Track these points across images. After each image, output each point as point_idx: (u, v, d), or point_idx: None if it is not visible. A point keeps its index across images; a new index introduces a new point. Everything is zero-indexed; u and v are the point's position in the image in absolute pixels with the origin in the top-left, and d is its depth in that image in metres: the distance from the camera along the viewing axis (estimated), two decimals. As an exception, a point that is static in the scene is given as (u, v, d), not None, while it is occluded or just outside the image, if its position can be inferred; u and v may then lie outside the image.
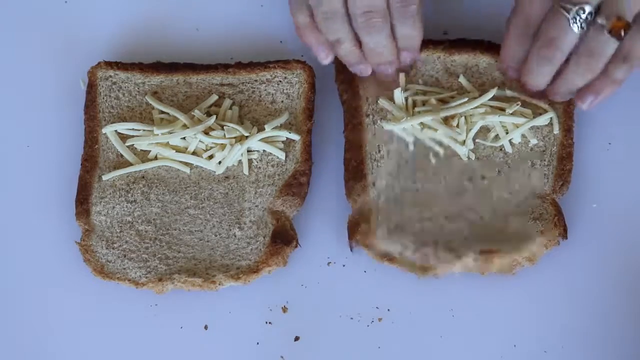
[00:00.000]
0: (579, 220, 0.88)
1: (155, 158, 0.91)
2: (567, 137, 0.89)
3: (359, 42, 0.87)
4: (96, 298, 0.88)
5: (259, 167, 0.90)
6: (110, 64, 0.95)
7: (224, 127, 0.90)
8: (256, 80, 0.94)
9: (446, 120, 0.89)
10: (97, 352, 0.87)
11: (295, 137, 0.90)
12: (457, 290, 0.87)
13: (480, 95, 0.90)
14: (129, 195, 0.90)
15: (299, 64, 0.93)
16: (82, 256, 0.88)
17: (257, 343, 0.87)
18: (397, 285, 0.87)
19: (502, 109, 0.89)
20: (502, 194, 0.88)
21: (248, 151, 0.90)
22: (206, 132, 0.90)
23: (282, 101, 0.93)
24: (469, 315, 0.87)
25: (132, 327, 0.88)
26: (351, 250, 0.88)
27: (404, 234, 0.87)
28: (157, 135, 0.91)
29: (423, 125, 0.89)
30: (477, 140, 0.89)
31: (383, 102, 0.90)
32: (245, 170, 0.90)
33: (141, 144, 0.91)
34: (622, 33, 0.80)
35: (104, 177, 0.90)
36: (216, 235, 0.89)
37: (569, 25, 0.81)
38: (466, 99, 0.89)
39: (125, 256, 0.88)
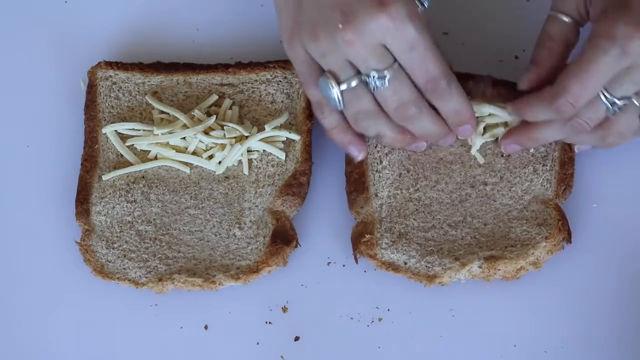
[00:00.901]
0: (579, 222, 0.88)
1: (155, 158, 0.91)
2: (569, 142, 0.89)
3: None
4: (96, 298, 0.88)
5: (259, 167, 0.90)
6: (110, 64, 0.95)
7: (224, 127, 0.90)
8: (256, 80, 0.94)
9: None
10: (98, 352, 0.87)
11: (295, 137, 0.90)
12: (457, 290, 0.87)
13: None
14: (129, 195, 0.90)
15: (299, 64, 0.93)
16: (82, 256, 0.88)
17: (257, 343, 0.87)
18: (397, 285, 0.87)
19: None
20: (505, 200, 0.88)
21: (248, 151, 0.90)
22: (206, 132, 0.90)
23: (282, 101, 0.93)
24: (469, 315, 0.87)
25: (132, 327, 0.88)
26: (356, 261, 0.87)
27: (408, 244, 0.87)
28: (157, 135, 0.91)
29: None
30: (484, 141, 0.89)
31: None
32: (245, 170, 0.90)
33: (141, 144, 0.91)
34: None
35: (104, 177, 0.90)
36: (216, 235, 0.89)
37: (608, 114, 0.82)
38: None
39: (125, 256, 0.88)
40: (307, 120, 0.91)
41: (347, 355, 0.86)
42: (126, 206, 0.90)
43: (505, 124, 0.89)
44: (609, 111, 0.82)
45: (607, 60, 0.79)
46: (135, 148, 0.92)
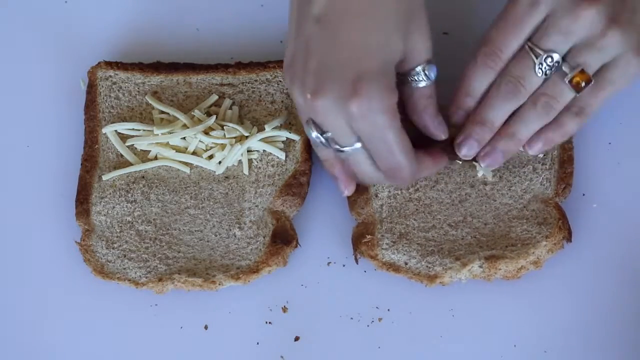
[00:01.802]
0: (580, 221, 0.88)
1: (155, 158, 0.91)
2: (568, 140, 0.89)
3: None
4: (96, 298, 0.88)
5: (259, 167, 0.90)
6: (110, 64, 0.95)
7: (224, 127, 0.90)
8: (256, 80, 0.94)
9: None
10: (98, 352, 0.87)
11: (295, 137, 0.90)
12: (457, 290, 0.87)
13: None
14: (129, 195, 0.90)
15: (299, 64, 0.93)
16: (82, 256, 0.88)
17: (257, 343, 0.87)
18: (397, 285, 0.87)
19: None
20: (505, 200, 0.88)
21: (248, 151, 0.90)
22: (206, 132, 0.90)
23: (282, 101, 0.93)
24: (469, 315, 0.87)
25: (132, 327, 0.88)
26: (356, 262, 0.87)
27: (408, 244, 0.87)
28: (157, 135, 0.91)
29: None
30: None
31: None
32: (245, 170, 0.90)
33: (141, 144, 0.91)
34: (582, 85, 0.82)
35: (104, 177, 0.90)
36: (216, 235, 0.89)
37: (534, 69, 0.82)
38: None
39: (125, 256, 0.88)
40: (307, 120, 0.91)
41: (347, 355, 0.86)
42: (126, 206, 0.90)
43: None
44: (537, 67, 0.81)
45: (521, 4, 0.81)
46: (135, 148, 0.92)
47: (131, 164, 0.91)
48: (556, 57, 0.81)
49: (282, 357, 0.86)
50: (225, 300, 0.88)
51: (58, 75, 0.97)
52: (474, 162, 0.87)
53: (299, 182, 0.89)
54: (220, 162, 0.90)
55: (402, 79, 0.82)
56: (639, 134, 0.92)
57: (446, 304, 0.87)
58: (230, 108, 0.93)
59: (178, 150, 0.91)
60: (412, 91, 0.82)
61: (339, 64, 0.77)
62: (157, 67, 0.95)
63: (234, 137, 0.90)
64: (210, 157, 0.90)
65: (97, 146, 0.92)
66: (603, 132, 0.92)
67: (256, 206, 0.89)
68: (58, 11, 0.99)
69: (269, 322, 0.87)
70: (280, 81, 0.93)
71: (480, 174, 0.89)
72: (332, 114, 0.78)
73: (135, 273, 0.87)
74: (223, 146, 0.90)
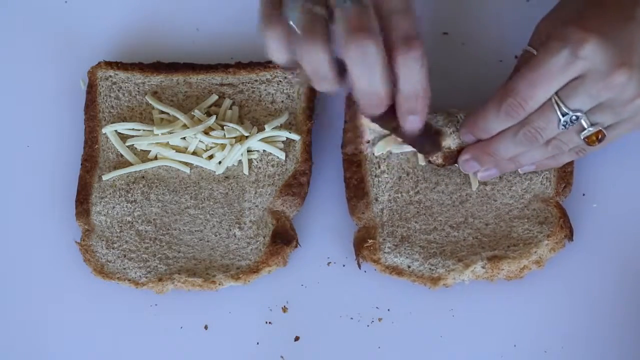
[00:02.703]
0: (580, 221, 0.88)
1: (155, 158, 0.91)
2: None
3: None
4: (96, 298, 0.88)
5: (259, 167, 0.90)
6: (110, 64, 0.95)
7: (224, 127, 0.90)
8: (256, 80, 0.94)
9: None
10: (97, 352, 0.87)
11: (295, 137, 0.90)
12: (457, 290, 0.87)
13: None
14: (129, 195, 0.90)
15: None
16: (82, 256, 0.88)
17: (257, 343, 0.87)
18: (397, 285, 0.87)
19: None
20: (505, 200, 0.88)
21: (248, 151, 0.90)
22: (206, 132, 0.90)
23: (282, 101, 0.93)
24: (469, 315, 0.87)
25: (132, 327, 0.88)
26: (359, 267, 0.87)
27: (410, 247, 0.87)
28: (157, 135, 0.91)
29: None
30: None
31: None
32: (245, 170, 0.90)
33: (141, 144, 0.91)
34: (595, 140, 0.82)
35: (104, 177, 0.90)
36: (216, 235, 0.89)
37: (557, 124, 0.81)
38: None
39: (125, 256, 0.88)
40: (307, 120, 0.91)
41: (347, 355, 0.86)
42: (126, 206, 0.90)
43: None
44: (560, 124, 0.81)
45: (557, 61, 0.78)
46: (135, 148, 0.92)
47: (131, 164, 0.91)
48: (581, 116, 0.81)
49: (282, 357, 0.86)
50: (225, 300, 0.88)
51: (58, 75, 0.97)
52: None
53: (299, 182, 0.89)
54: (220, 162, 0.90)
55: None
56: (639, 134, 0.91)
57: (446, 304, 0.87)
58: (230, 108, 0.93)
59: (178, 150, 0.91)
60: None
61: None
62: (157, 67, 0.95)
63: (234, 137, 0.90)
64: (210, 157, 0.90)
65: (97, 146, 0.92)
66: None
67: (256, 206, 0.89)
68: (58, 11, 0.99)
69: (269, 322, 0.87)
70: (281, 81, 0.93)
71: (474, 188, 0.89)
72: None
73: (135, 273, 0.87)
74: (223, 146, 0.90)
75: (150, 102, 0.93)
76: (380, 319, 0.87)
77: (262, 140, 0.90)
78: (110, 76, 0.94)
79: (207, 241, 0.89)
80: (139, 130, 0.92)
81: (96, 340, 0.87)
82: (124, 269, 0.88)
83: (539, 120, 0.82)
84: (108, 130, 0.92)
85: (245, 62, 0.94)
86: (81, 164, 0.92)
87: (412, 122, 0.79)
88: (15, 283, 0.90)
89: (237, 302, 0.88)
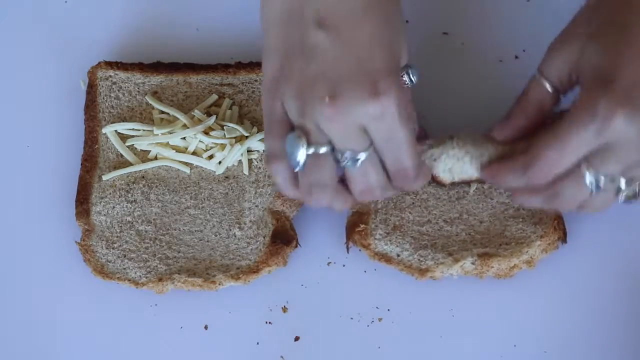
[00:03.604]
0: (578, 221, 0.88)
1: (155, 158, 0.91)
2: None
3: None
4: (96, 298, 0.88)
5: (259, 167, 0.90)
6: (110, 64, 0.95)
7: (224, 127, 0.90)
8: (256, 80, 0.94)
9: None
10: (97, 352, 0.87)
11: (295, 137, 0.90)
12: (457, 290, 0.87)
13: None
14: (129, 195, 0.90)
15: (299, 64, 0.93)
16: (82, 256, 0.88)
17: (257, 343, 0.87)
18: (397, 285, 0.87)
19: None
20: (502, 199, 0.88)
21: (248, 151, 0.90)
22: (206, 132, 0.90)
23: (282, 101, 0.93)
24: (468, 315, 0.87)
25: (132, 327, 0.88)
26: (347, 251, 0.88)
27: (402, 236, 0.87)
28: (157, 135, 0.91)
29: None
30: None
31: None
32: (245, 170, 0.90)
33: (141, 144, 0.91)
34: (631, 199, 0.79)
35: (104, 177, 0.90)
36: (216, 235, 0.89)
37: (587, 192, 0.78)
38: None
39: (125, 256, 0.88)
40: (307, 120, 0.91)
41: (347, 355, 0.86)
42: (126, 206, 0.90)
43: None
44: (594, 193, 0.78)
45: (584, 134, 0.75)
46: (135, 148, 0.92)
47: (131, 164, 0.91)
48: (613, 177, 0.78)
49: (282, 357, 0.86)
50: (225, 300, 0.88)
51: (58, 75, 0.96)
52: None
53: (299, 182, 0.89)
54: (220, 162, 0.90)
55: None
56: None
57: (446, 304, 0.87)
58: (230, 108, 0.93)
59: (178, 150, 0.91)
60: None
61: (353, 66, 0.75)
62: (157, 67, 0.95)
63: (234, 137, 0.90)
64: (210, 157, 0.90)
65: (97, 146, 0.92)
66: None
67: (256, 206, 0.89)
68: (58, 11, 0.99)
69: (269, 322, 0.87)
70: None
71: (471, 192, 0.89)
72: (349, 117, 0.75)
73: (135, 273, 0.87)
74: (223, 146, 0.90)
75: (150, 102, 0.93)
76: (380, 319, 0.87)
77: (262, 140, 0.90)
78: (110, 76, 0.94)
79: (207, 241, 0.89)
80: (139, 130, 0.92)
81: (96, 340, 0.87)
82: (124, 269, 0.88)
83: (568, 190, 0.79)
84: (108, 130, 0.92)
85: (245, 62, 0.94)
86: (81, 164, 0.92)
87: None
88: (15, 283, 0.90)
89: (237, 302, 0.88)
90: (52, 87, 0.96)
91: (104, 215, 0.89)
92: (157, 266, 0.87)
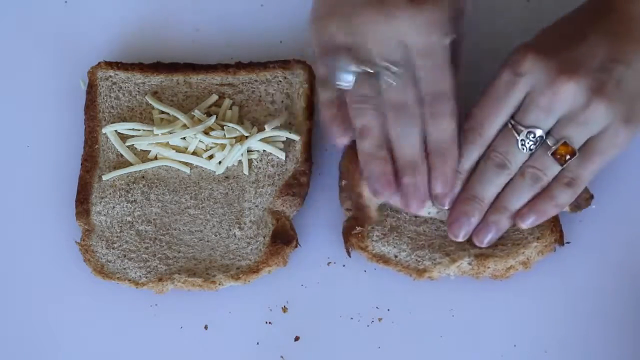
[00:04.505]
0: (577, 221, 0.88)
1: (155, 158, 0.91)
2: None
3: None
4: (96, 298, 0.88)
5: (259, 167, 0.90)
6: (110, 64, 0.95)
7: (224, 127, 0.90)
8: (256, 80, 0.94)
9: None
10: (97, 352, 0.87)
11: (295, 137, 0.90)
12: (457, 290, 0.87)
13: None
14: (129, 195, 0.90)
15: (299, 64, 0.93)
16: (82, 256, 0.88)
17: (257, 343, 0.87)
18: (397, 285, 0.87)
19: None
20: None
21: (248, 151, 0.90)
22: (206, 132, 0.90)
23: (282, 101, 0.93)
24: (468, 315, 0.87)
25: (132, 327, 0.88)
26: (349, 255, 0.88)
27: (399, 237, 0.87)
28: (157, 135, 0.91)
29: None
30: None
31: None
32: (245, 170, 0.90)
33: (141, 144, 0.91)
34: (567, 158, 0.82)
35: (104, 177, 0.90)
36: (216, 235, 0.89)
37: (518, 145, 0.82)
38: None
39: (125, 256, 0.88)
40: (307, 120, 0.91)
41: (347, 355, 0.86)
42: (126, 206, 0.90)
43: None
44: (519, 143, 0.82)
45: (500, 82, 0.82)
46: (135, 148, 0.92)
47: (131, 164, 0.91)
48: (539, 132, 0.81)
49: (282, 357, 0.86)
50: (225, 300, 0.88)
51: (58, 75, 0.96)
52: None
53: (299, 182, 0.89)
54: (220, 162, 0.90)
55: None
56: (636, 137, 0.91)
57: (446, 304, 0.87)
58: (230, 108, 0.93)
59: (178, 150, 0.91)
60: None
61: None
62: (157, 67, 0.95)
63: (234, 137, 0.90)
64: (210, 157, 0.90)
65: (97, 146, 0.92)
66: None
67: (256, 206, 0.89)
68: (58, 11, 0.99)
69: (269, 322, 0.87)
70: (281, 81, 0.93)
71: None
72: (390, 24, 0.79)
73: (135, 273, 0.87)
74: (223, 146, 0.90)
75: (150, 102, 0.93)
76: (380, 319, 0.87)
77: (262, 140, 0.90)
78: (110, 76, 0.94)
79: (207, 241, 0.89)
80: (139, 130, 0.92)
81: (96, 340, 0.87)
82: (124, 269, 0.88)
83: (500, 144, 0.83)
84: (108, 130, 0.92)
85: (245, 62, 0.94)
86: (81, 164, 0.92)
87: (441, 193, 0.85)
88: (16, 283, 0.90)
89: (237, 302, 0.88)
90: (52, 87, 0.96)
91: (104, 215, 0.89)
92: (157, 266, 0.87)
